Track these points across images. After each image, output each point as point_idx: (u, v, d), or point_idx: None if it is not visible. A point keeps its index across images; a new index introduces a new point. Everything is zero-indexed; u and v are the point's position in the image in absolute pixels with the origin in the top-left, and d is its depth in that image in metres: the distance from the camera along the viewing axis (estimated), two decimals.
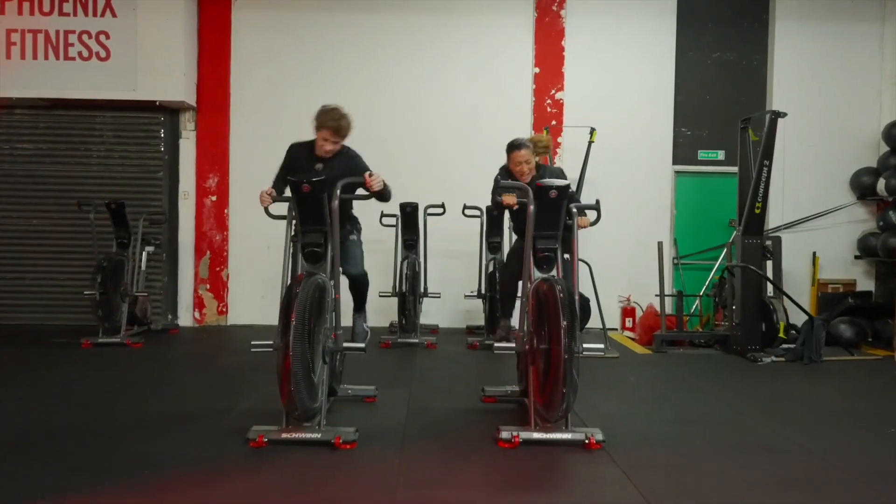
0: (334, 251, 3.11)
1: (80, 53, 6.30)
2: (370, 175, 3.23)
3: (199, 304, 6.74)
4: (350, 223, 3.64)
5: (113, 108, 6.59)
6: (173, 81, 6.33)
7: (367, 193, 3.30)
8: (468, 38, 6.81)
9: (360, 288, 3.69)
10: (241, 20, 6.72)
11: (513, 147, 3.73)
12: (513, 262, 4.00)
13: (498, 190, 3.48)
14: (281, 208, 3.34)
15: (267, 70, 6.74)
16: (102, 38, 6.30)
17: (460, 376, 4.60)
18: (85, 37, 6.29)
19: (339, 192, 3.07)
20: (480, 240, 6.00)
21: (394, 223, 6.01)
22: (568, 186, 3.21)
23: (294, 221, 3.23)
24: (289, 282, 3.07)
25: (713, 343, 5.86)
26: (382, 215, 5.96)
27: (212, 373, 4.76)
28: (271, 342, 2.91)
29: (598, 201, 3.46)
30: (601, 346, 3.15)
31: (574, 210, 3.29)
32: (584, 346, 2.93)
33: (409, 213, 5.78)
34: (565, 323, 2.83)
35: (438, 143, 6.79)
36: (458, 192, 6.17)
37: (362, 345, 3.21)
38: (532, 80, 6.79)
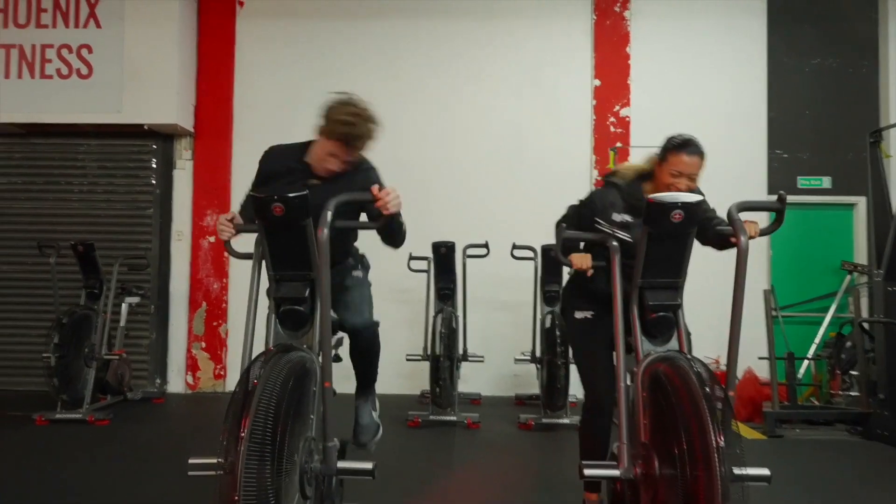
0: (323, 306, 1.92)
1: (58, 71, 5.37)
2: (383, 190, 2.06)
3: (192, 366, 5.61)
4: (353, 257, 2.51)
5: (98, 134, 5.63)
6: (164, 102, 5.34)
7: (374, 220, 2.16)
8: (512, 47, 5.72)
9: (367, 351, 2.49)
10: (245, 31, 5.75)
11: (676, 147, 2.25)
12: (598, 347, 2.35)
13: (563, 243, 2.26)
14: (249, 243, 2.20)
15: (274, 87, 5.72)
16: (84, 52, 5.37)
17: (516, 478, 3.33)
18: (65, 51, 5.37)
19: (330, 214, 1.90)
20: (535, 288, 4.75)
21: (425, 268, 4.84)
22: (701, 202, 1.99)
23: (263, 264, 2.09)
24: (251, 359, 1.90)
25: (840, 422, 4.49)
26: (411, 258, 4.82)
27: (185, 466, 3.56)
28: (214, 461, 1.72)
29: (782, 195, 2.12)
30: (765, 471, 1.86)
31: (736, 216, 1.95)
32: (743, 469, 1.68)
33: (443, 255, 4.60)
34: (719, 438, 1.60)
35: (478, 171, 5.64)
36: (503, 230, 5.04)
37: (368, 466, 1.96)
38: (591, 94, 5.64)
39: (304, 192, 1.92)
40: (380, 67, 5.72)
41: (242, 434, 1.59)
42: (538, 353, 4.59)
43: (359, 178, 2.31)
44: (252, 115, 5.71)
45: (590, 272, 2.20)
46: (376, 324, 2.48)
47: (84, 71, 5.37)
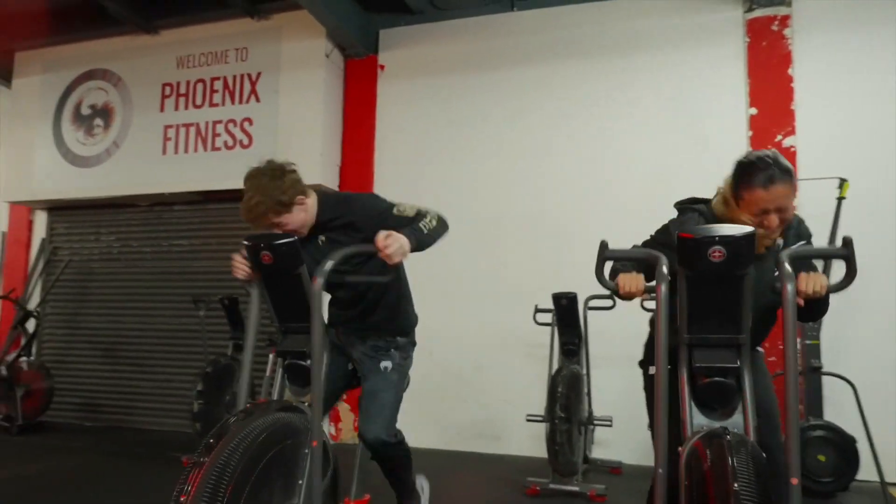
0: (315, 363, 1.78)
1: (225, 143, 5.99)
2: (385, 238, 1.89)
3: (334, 417, 5.75)
4: (393, 328, 2.30)
5: None
6: (310, 164, 5.68)
7: (383, 276, 1.98)
8: (654, 83, 5.29)
9: (387, 468, 2.27)
10: (385, 92, 5.98)
11: (747, 180, 1.90)
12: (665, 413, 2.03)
13: (606, 263, 1.89)
14: None
15: (408, 142, 5.85)
16: (246, 124, 5.95)
17: None
18: (231, 125, 5.99)
19: (327, 267, 1.78)
20: None
21: (550, 321, 4.52)
22: (752, 237, 1.56)
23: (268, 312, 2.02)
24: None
25: None
26: (537, 311, 4.54)
27: None
28: None
29: (847, 241, 1.67)
30: None
31: (784, 263, 1.56)
32: None
33: (565, 308, 4.26)
34: None
35: (615, 216, 5.21)
36: None
37: None
38: (747, 124, 5.00)
39: (293, 239, 1.83)
40: (509, 114, 5.61)
41: (182, 499, 1.49)
42: None
43: (363, 220, 2.16)
44: (390, 169, 5.87)
45: (643, 297, 1.79)
46: (394, 442, 2.20)
47: (245, 142, 5.93)
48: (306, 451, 1.80)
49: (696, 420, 1.64)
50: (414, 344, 2.49)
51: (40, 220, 6.97)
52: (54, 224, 6.90)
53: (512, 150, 5.57)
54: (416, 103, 5.90)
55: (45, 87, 6.70)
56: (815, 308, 1.78)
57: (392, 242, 1.89)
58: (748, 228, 1.52)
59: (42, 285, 6.71)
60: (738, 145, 4.99)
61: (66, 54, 6.67)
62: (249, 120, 5.93)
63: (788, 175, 1.84)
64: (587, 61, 5.48)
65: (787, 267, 1.47)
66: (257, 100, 5.94)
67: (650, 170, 5.19)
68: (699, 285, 1.57)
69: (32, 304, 6.55)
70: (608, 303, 4.34)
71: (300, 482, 1.77)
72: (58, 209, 6.82)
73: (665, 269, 1.57)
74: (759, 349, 2.13)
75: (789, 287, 1.44)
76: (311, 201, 2.30)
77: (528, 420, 4.29)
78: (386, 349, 2.26)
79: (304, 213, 2.24)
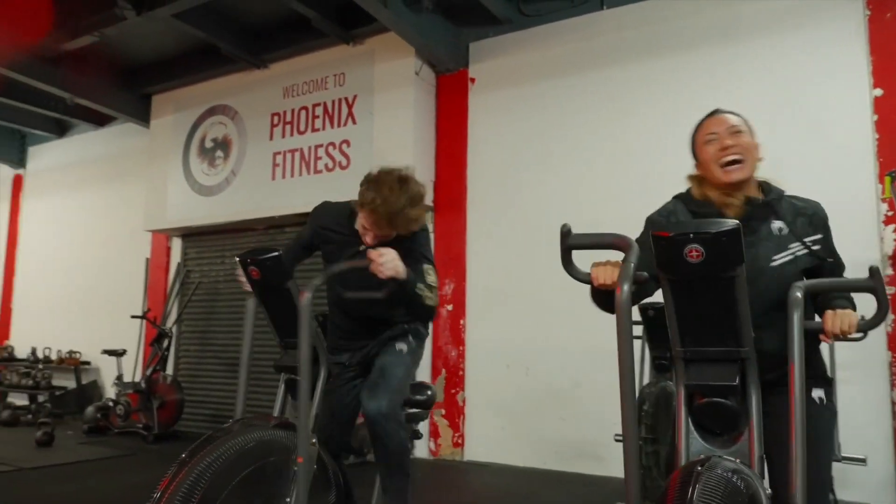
0: (302, 378, 1.75)
1: (326, 166, 6.24)
2: (379, 255, 1.86)
3: (434, 432, 5.74)
4: (403, 323, 2.26)
5: None
6: None
7: (378, 292, 1.93)
8: (762, 71, 4.82)
9: (380, 449, 2.17)
10: (476, 105, 5.95)
11: (699, 123, 1.98)
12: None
13: (571, 249, 1.64)
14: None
15: (500, 154, 5.76)
16: (344, 146, 6.16)
17: None
18: (331, 148, 6.23)
19: (316, 282, 1.76)
20: None
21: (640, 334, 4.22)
22: (735, 232, 1.32)
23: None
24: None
25: None
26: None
27: None
28: None
29: (873, 271, 1.44)
30: None
31: (795, 293, 1.37)
32: None
33: (652, 319, 3.96)
34: None
35: None
36: None
37: None
38: (870, 108, 4.40)
39: (277, 254, 1.83)
40: (606, 118, 5.35)
41: None
42: None
43: (405, 246, 2.13)
44: (482, 183, 5.81)
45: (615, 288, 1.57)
46: (394, 418, 2.10)
47: (344, 163, 6.14)
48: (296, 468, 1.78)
49: (696, 446, 1.42)
50: (426, 331, 2.43)
51: (176, 246, 7.63)
52: (187, 249, 7.53)
53: (610, 154, 5.30)
54: (508, 113, 5.81)
55: (177, 125, 7.36)
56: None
57: (383, 256, 1.85)
58: (731, 222, 1.29)
59: (178, 305, 7.33)
60: (861, 131, 4.43)
61: (193, 94, 7.29)
62: (347, 142, 6.13)
63: (736, 113, 1.89)
64: (686, 54, 5.11)
65: (797, 294, 1.24)
66: (354, 122, 6.14)
67: (764, 164, 4.71)
68: (683, 291, 1.35)
69: (171, 323, 7.17)
70: None
71: (287, 500, 1.74)
72: (189, 235, 7.45)
73: (632, 260, 1.35)
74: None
75: (795, 317, 1.20)
76: None
77: (616, 440, 4.02)
78: (404, 334, 2.23)
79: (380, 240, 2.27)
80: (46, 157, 9.32)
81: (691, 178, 2.00)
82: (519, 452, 5.29)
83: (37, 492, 4.29)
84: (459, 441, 5.60)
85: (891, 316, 3.95)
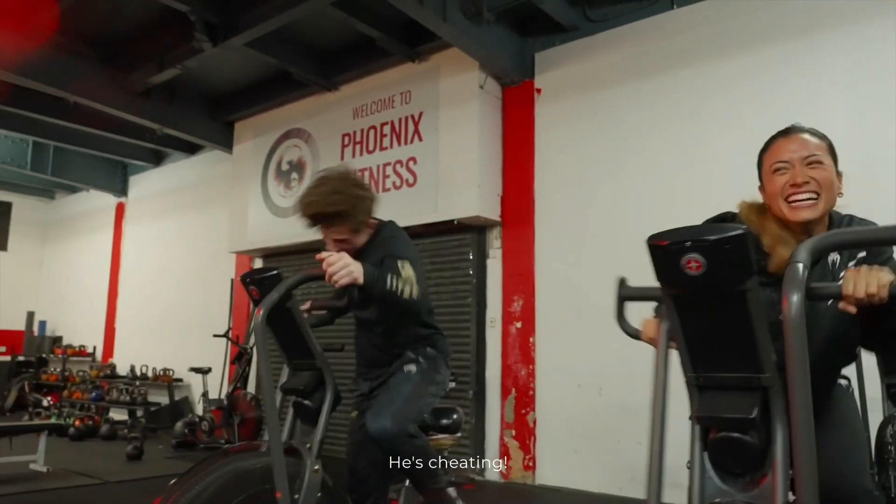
0: (267, 403, 1.68)
1: (393, 184, 6.25)
2: (330, 257, 1.77)
3: (504, 453, 5.56)
4: (418, 343, 2.13)
5: (433, 233, 6.28)
6: (467, 196, 5.69)
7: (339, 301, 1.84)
8: (845, 63, 4.40)
9: (398, 459, 2.02)
10: (543, 115, 5.78)
11: (769, 142, 1.72)
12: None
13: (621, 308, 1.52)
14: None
15: (570, 166, 5.55)
16: (411, 164, 6.15)
17: None
18: (398, 166, 6.24)
19: (273, 298, 1.69)
20: (859, 380, 3.35)
21: None
22: (742, 238, 1.12)
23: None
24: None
25: None
26: None
27: None
28: None
29: None
30: None
31: (797, 262, 1.08)
32: None
33: None
34: None
35: None
36: None
37: None
38: None
39: (276, 273, 1.77)
40: (679, 121, 5.05)
41: None
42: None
43: (378, 253, 2.03)
44: (550, 196, 5.63)
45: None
46: (402, 434, 1.97)
47: (411, 180, 6.12)
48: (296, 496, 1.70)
49: (711, 488, 1.22)
50: (445, 356, 2.29)
51: (258, 267, 7.88)
52: None
53: (687, 162, 4.99)
54: (575, 124, 5.61)
55: (256, 150, 7.63)
56: (886, 320, 1.28)
57: (336, 262, 1.76)
58: (736, 227, 1.10)
59: None
60: None
61: (270, 119, 7.54)
62: (414, 159, 6.12)
63: (814, 129, 1.60)
64: (764, 50, 4.75)
65: (799, 266, 1.01)
66: (420, 139, 6.12)
67: (853, 165, 4.28)
68: (688, 308, 1.17)
69: (252, 341, 7.38)
70: None
71: None
72: (269, 256, 7.66)
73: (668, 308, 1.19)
74: (843, 381, 1.58)
75: (793, 299, 0.99)
76: (372, 231, 2.26)
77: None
78: (414, 358, 2.11)
79: (362, 238, 2.22)
80: (145, 185, 9.92)
81: (750, 205, 1.73)
82: (593, 477, 5.02)
83: None
84: (531, 464, 5.39)
85: None
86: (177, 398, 8.40)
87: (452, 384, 5.37)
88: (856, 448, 1.49)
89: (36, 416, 8.48)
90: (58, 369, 9.69)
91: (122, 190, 10.16)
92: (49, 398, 9.52)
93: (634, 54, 5.35)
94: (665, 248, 1.13)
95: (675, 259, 1.12)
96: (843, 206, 1.78)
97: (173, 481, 1.62)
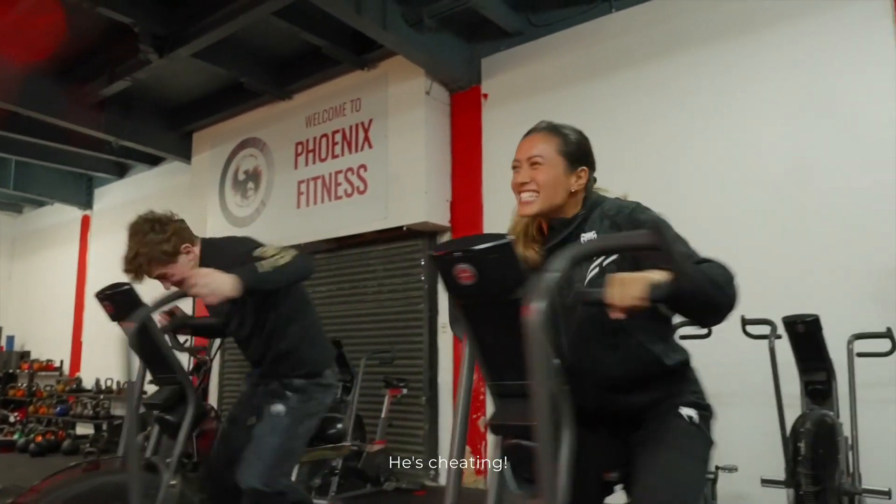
0: (128, 421, 1.67)
1: (345, 191, 6.25)
2: (194, 276, 1.76)
3: None
4: (290, 369, 2.11)
5: (385, 240, 6.29)
6: (416, 203, 5.70)
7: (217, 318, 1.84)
8: (783, 62, 4.44)
9: None
10: (490, 120, 5.81)
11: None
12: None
13: None
14: None
15: None
16: (362, 171, 6.15)
17: None
18: (349, 174, 6.24)
19: (144, 312, 1.69)
20: (774, 377, 3.38)
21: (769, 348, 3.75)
22: (506, 247, 1.13)
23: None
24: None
25: None
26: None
27: None
28: None
29: (655, 223, 1.26)
30: None
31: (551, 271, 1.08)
32: None
33: (803, 335, 3.38)
34: None
35: (747, 224, 4.40)
36: (783, 298, 3.79)
37: None
38: None
39: (127, 288, 1.76)
40: (619, 123, 5.08)
41: None
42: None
43: (224, 262, 2.03)
44: (498, 201, 5.63)
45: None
46: (271, 492, 1.94)
47: (361, 187, 6.13)
48: None
49: (508, 493, 1.22)
50: (326, 386, 2.26)
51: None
52: None
53: (630, 161, 5.00)
54: (521, 127, 5.53)
55: (214, 160, 7.61)
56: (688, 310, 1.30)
57: (197, 281, 1.75)
58: (504, 237, 1.10)
59: None
60: (891, 120, 3.97)
61: (227, 129, 7.53)
62: (364, 166, 6.13)
63: (557, 130, 1.75)
64: (702, 51, 4.79)
65: (550, 275, 1.00)
66: (370, 146, 6.13)
67: (786, 166, 4.32)
68: (472, 317, 1.18)
69: (213, 352, 7.34)
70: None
71: None
72: None
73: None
74: (689, 413, 1.58)
75: (534, 307, 0.98)
76: (198, 249, 2.24)
77: (764, 485, 3.38)
78: (281, 393, 2.08)
79: (192, 262, 2.19)
80: (109, 197, 9.88)
81: None
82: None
83: None
84: (482, 468, 5.39)
85: None
86: (141, 411, 8.33)
87: (403, 390, 5.38)
88: (681, 479, 1.47)
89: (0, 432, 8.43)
90: (25, 384, 9.62)
91: (87, 203, 10.11)
92: (16, 414, 9.47)
93: (577, 57, 5.38)
94: (440, 260, 1.13)
95: (449, 270, 1.13)
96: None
97: (13, 499, 1.61)
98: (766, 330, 3.46)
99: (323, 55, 6.11)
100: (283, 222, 6.67)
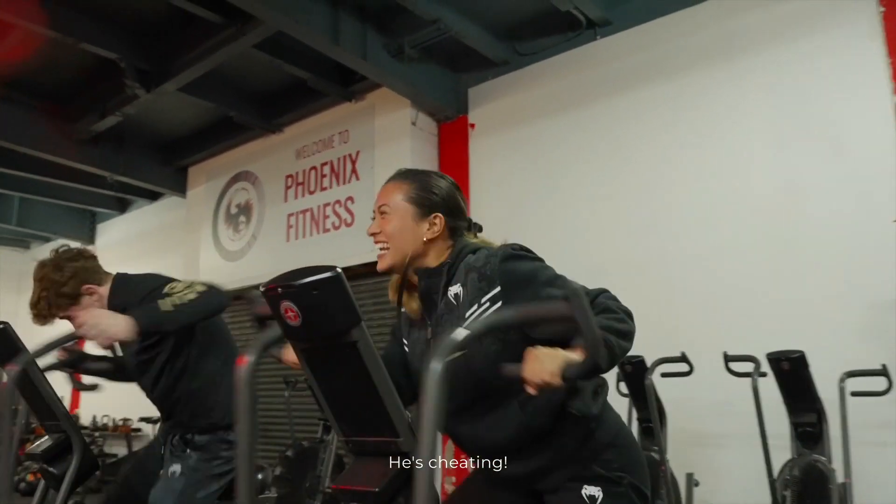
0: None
1: (333, 224, 6.15)
2: (83, 317, 1.63)
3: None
4: (190, 421, 1.95)
5: (372, 273, 6.09)
6: None
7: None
8: (768, 86, 4.28)
9: None
10: (477, 150, 5.69)
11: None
12: None
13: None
14: None
15: (503, 198, 5.43)
16: (349, 203, 6.06)
17: None
18: (337, 206, 6.15)
19: (25, 360, 1.54)
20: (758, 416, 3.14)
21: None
22: (333, 281, 0.98)
23: None
24: None
25: None
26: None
27: None
28: None
29: (572, 293, 1.06)
30: None
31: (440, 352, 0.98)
32: None
33: (789, 373, 3.15)
34: None
35: (737, 251, 4.19)
36: (772, 331, 3.59)
37: None
38: (893, 117, 3.75)
39: (2, 327, 1.63)
40: (606, 151, 4.95)
41: None
42: None
43: (132, 302, 1.90)
44: (485, 226, 5.48)
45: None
46: None
47: (349, 220, 6.02)
48: None
49: None
50: (227, 442, 2.09)
51: None
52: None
53: (617, 188, 4.86)
54: (508, 156, 5.51)
55: (208, 194, 7.58)
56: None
57: (85, 321, 1.62)
58: (330, 269, 0.96)
59: None
60: (883, 144, 3.77)
61: (221, 163, 7.51)
62: (352, 198, 6.03)
63: (409, 177, 1.61)
64: (686, 76, 4.65)
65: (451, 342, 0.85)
66: (357, 178, 6.04)
67: (774, 192, 4.13)
68: (311, 362, 1.02)
69: None
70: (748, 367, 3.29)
71: None
72: None
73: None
74: (591, 491, 1.41)
75: (434, 367, 0.83)
76: (105, 289, 2.11)
77: None
78: (181, 450, 1.92)
79: (98, 303, 2.06)
80: (111, 232, 9.90)
81: None
82: None
83: None
84: None
85: None
86: (136, 449, 8.20)
87: None
88: None
89: None
90: (24, 421, 9.54)
91: (90, 238, 10.13)
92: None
93: (563, 85, 5.27)
94: (268, 296, 0.98)
95: (277, 308, 0.98)
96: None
97: None
98: (749, 367, 3.23)
99: (309, 87, 6.06)
100: (273, 256, 6.58)
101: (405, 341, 1.62)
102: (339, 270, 0.95)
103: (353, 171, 6.08)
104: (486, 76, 5.73)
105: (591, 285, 4.26)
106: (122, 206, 9.62)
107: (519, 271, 1.44)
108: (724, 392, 3.62)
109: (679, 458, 3.59)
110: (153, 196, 8.92)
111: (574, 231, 4.99)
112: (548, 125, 5.32)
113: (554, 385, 1.12)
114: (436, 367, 0.96)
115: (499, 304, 1.42)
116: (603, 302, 1.37)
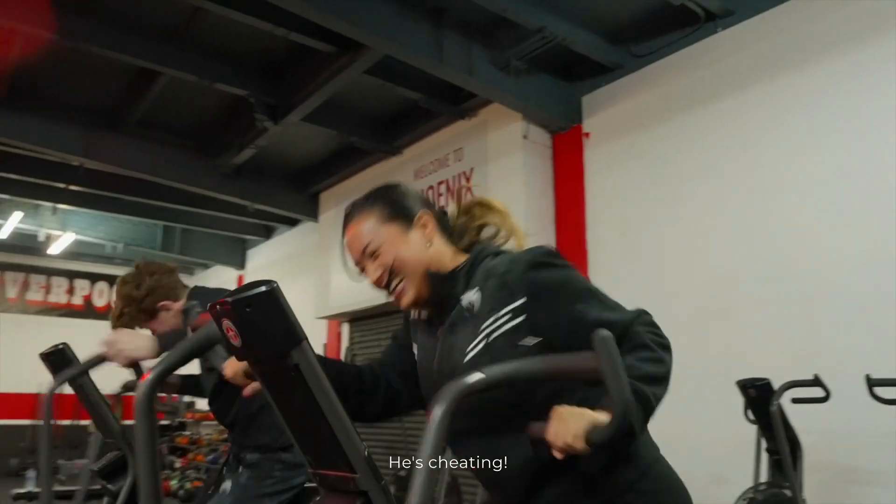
0: None
1: None
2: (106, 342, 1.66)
3: None
4: (246, 439, 1.92)
5: None
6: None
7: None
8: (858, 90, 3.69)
9: None
10: (592, 159, 5.43)
11: None
12: None
13: None
14: None
15: (621, 208, 5.13)
16: None
17: None
18: None
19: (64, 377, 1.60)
20: None
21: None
22: (266, 296, 0.88)
23: None
24: None
25: None
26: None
27: None
28: None
29: (602, 339, 0.89)
30: None
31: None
32: None
33: (756, 399, 3.05)
34: None
35: (832, 266, 3.63)
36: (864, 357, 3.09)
37: None
38: None
39: (62, 346, 1.70)
40: (732, 152, 4.52)
41: None
42: None
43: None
44: (603, 242, 5.22)
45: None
46: None
47: None
48: None
49: None
50: (281, 462, 2.04)
51: (345, 331, 8.04)
52: (353, 333, 7.89)
53: (740, 194, 4.44)
54: (626, 164, 5.20)
55: (337, 219, 7.83)
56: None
57: (107, 341, 1.64)
58: (267, 284, 0.86)
59: None
60: None
61: (349, 187, 7.80)
62: None
63: (366, 204, 1.40)
64: (819, 63, 4.14)
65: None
66: (471, 195, 5.97)
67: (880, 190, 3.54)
68: (266, 386, 0.93)
69: None
70: (820, 392, 2.96)
71: None
72: (354, 320, 7.80)
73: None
74: None
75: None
76: (181, 304, 2.15)
77: None
78: (234, 467, 1.89)
79: (174, 319, 2.10)
80: (258, 258, 10.62)
81: None
82: None
83: None
84: None
85: None
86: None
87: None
88: None
89: (164, 477, 9.13)
90: (190, 433, 10.41)
91: (241, 264, 10.94)
92: (181, 460, 10.26)
93: (683, 85, 4.91)
94: (212, 313, 0.92)
95: (221, 326, 0.91)
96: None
97: None
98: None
99: (423, 108, 6.13)
100: None
101: (415, 345, 1.49)
102: (275, 284, 0.86)
103: (468, 188, 6.03)
104: (600, 82, 5.48)
105: (718, 302, 3.93)
106: (267, 233, 10.30)
107: (546, 282, 1.28)
108: (875, 421, 3.11)
109: (820, 496, 3.13)
110: (292, 222, 9.47)
111: (699, 240, 4.60)
112: (668, 129, 4.97)
113: (578, 450, 1.00)
114: (439, 410, 0.85)
115: (522, 317, 1.27)
116: (638, 333, 1.19)
